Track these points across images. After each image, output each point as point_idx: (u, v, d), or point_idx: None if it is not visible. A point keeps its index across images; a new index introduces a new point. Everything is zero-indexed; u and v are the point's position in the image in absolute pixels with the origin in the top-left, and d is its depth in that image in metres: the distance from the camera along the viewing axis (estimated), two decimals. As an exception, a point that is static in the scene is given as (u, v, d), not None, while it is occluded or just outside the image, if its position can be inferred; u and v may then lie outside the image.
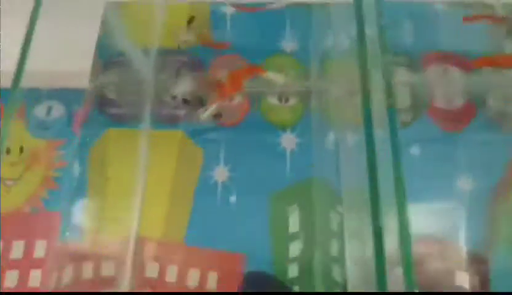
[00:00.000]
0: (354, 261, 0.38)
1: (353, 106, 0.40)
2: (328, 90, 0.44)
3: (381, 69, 0.36)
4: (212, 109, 0.44)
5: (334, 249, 0.40)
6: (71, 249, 0.40)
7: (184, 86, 0.45)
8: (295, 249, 0.40)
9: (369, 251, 0.36)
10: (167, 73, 0.46)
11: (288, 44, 0.47)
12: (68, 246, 0.40)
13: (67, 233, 0.40)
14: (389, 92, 0.34)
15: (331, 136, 0.42)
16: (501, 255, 0.40)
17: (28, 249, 0.39)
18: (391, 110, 0.35)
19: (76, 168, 0.42)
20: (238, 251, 0.40)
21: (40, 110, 0.45)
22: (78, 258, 0.39)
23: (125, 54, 0.44)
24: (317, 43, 0.46)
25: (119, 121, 0.44)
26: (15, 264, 0.39)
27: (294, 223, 0.41)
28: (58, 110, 0.45)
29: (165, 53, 0.47)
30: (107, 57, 0.46)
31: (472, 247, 0.40)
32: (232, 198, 0.42)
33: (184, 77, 0.45)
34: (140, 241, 0.40)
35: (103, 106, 0.45)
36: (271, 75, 0.45)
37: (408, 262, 0.31)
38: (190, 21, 0.47)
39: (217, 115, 0.44)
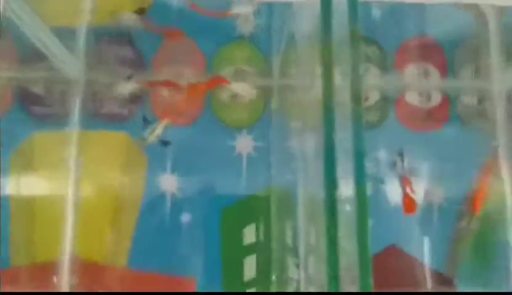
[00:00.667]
0: (311, 281, 0.33)
1: (314, 103, 0.35)
2: (290, 85, 0.38)
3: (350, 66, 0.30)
4: (160, 127, 0.38)
5: (292, 269, 0.35)
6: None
7: (126, 83, 0.38)
8: (250, 270, 0.35)
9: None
10: (103, 64, 0.39)
11: (246, 29, 0.40)
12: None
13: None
14: (357, 99, 0.29)
15: (292, 139, 0.37)
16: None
17: None
18: (357, 116, 0.30)
19: None
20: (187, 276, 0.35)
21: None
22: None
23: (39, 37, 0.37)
24: (280, 27, 0.40)
25: (45, 122, 0.38)
26: None
27: (250, 240, 0.36)
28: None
29: (99, 36, 0.40)
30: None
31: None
32: (181, 214, 0.36)
33: (125, 68, 0.39)
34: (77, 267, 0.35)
35: (26, 102, 0.38)
36: (237, 87, 0.38)
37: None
38: (140, 12, 0.40)
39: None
